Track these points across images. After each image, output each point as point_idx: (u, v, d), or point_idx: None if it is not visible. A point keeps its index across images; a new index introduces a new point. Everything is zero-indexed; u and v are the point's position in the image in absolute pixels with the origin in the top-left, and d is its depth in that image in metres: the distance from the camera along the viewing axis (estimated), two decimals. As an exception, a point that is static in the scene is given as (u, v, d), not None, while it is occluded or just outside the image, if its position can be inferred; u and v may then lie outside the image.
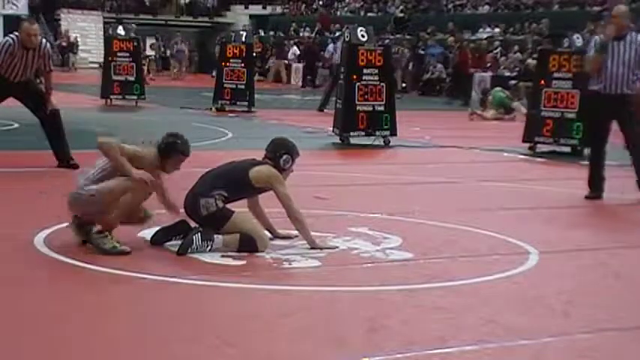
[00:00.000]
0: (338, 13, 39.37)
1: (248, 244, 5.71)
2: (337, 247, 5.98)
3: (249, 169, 5.87)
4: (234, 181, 5.84)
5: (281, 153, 5.99)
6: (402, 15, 34.24)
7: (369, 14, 36.55)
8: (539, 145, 12.66)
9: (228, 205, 5.82)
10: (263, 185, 5.90)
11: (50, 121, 9.22)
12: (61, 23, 38.98)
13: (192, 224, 5.82)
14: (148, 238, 5.90)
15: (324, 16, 38.19)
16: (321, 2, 41.24)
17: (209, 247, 5.63)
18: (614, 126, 8.50)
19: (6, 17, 34.10)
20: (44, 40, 9.15)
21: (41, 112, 9.22)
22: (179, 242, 5.67)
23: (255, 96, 18.59)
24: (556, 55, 12.60)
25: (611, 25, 8.60)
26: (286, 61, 33.51)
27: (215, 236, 5.67)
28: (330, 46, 28.55)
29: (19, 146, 10.74)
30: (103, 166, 5.63)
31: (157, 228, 5.90)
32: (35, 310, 4.45)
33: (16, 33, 9.00)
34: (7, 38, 9.17)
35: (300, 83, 32.06)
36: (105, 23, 34.37)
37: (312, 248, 5.85)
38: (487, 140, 13.94)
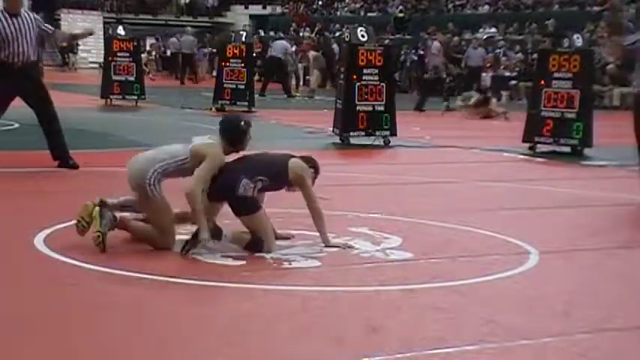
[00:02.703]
0: (338, 13, 39.41)
1: (255, 246, 5.71)
2: (352, 247, 5.98)
3: (289, 160, 5.92)
4: (275, 171, 5.85)
5: (309, 165, 6.02)
6: (401, 15, 34.25)
7: (369, 14, 36.56)
8: (539, 145, 12.66)
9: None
10: (294, 176, 5.87)
11: (49, 121, 9.21)
12: (61, 23, 38.99)
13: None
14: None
15: (302, 17, 38.44)
16: (320, 2, 41.26)
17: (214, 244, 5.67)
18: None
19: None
20: (29, 13, 9.25)
21: (41, 112, 9.23)
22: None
23: (255, 96, 18.60)
24: (556, 55, 12.60)
25: None
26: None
27: (223, 233, 5.71)
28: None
29: (19, 146, 10.74)
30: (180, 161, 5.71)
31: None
32: (35, 310, 4.45)
33: None
34: None
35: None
36: (105, 23, 34.40)
37: (327, 246, 5.89)
38: (487, 140, 13.94)
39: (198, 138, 5.88)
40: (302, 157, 6.07)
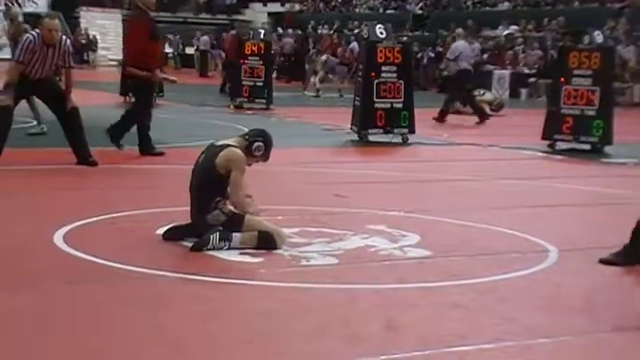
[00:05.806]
0: (357, 10, 39.35)
1: (266, 241, 5.72)
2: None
3: (214, 162, 5.80)
4: (214, 182, 5.79)
5: (256, 139, 5.97)
6: (421, 12, 34.15)
7: (388, 11, 36.48)
8: (558, 143, 12.59)
9: None
10: (225, 169, 5.81)
11: (69, 118, 9.27)
12: (80, 21, 39.16)
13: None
14: (165, 235, 5.93)
15: (289, 16, 38.57)
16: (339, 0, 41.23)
17: (226, 247, 5.64)
18: None
19: (26, 15, 34.27)
20: (64, 37, 9.22)
21: (60, 110, 9.29)
22: (195, 239, 5.69)
23: (274, 93, 18.62)
24: (576, 52, 12.52)
25: None
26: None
27: (233, 235, 5.68)
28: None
29: (40, 144, 10.79)
30: None
31: (171, 225, 5.94)
32: (53, 306, 4.47)
33: (37, 30, 9.08)
34: (27, 35, 9.24)
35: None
36: (124, 21, 34.52)
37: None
38: (506, 138, 13.88)
39: None
40: (249, 133, 6.01)
